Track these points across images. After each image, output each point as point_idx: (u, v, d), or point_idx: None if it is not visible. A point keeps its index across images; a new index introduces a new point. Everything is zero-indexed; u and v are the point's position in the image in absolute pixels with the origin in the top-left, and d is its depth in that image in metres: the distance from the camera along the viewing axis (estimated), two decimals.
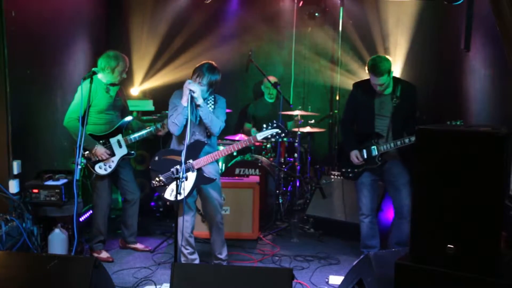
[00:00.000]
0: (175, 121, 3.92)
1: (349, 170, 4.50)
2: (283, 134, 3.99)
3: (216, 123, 3.98)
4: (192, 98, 3.83)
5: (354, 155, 4.39)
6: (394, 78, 4.36)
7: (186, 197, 3.90)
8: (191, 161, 3.96)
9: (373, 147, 4.34)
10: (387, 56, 4.27)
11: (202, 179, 4.01)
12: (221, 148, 4.16)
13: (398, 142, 4.20)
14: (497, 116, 4.29)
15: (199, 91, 3.85)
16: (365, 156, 4.39)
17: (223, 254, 4.26)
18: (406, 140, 4.15)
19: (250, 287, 3.01)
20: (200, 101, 3.86)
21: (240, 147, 4.07)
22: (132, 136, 4.56)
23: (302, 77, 6.82)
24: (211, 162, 4.02)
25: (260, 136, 3.99)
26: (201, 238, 4.80)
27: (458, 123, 3.91)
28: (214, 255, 4.26)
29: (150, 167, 4.07)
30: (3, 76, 4.00)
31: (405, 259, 2.74)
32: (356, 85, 4.54)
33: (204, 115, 3.92)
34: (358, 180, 4.48)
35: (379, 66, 4.15)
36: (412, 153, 4.14)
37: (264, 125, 4.00)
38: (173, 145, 4.13)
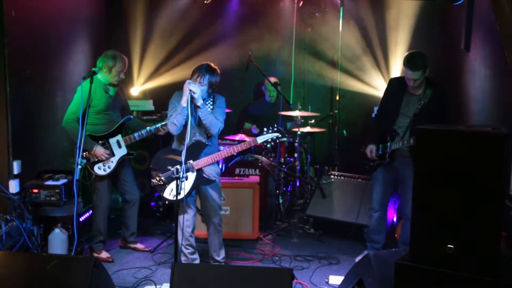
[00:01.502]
0: (174, 121, 3.92)
1: (366, 162, 4.57)
2: (283, 138, 4.05)
3: (215, 124, 3.98)
4: (191, 98, 3.83)
5: (369, 149, 4.46)
6: (428, 80, 4.31)
7: (185, 197, 3.89)
8: (191, 161, 3.96)
9: (388, 143, 4.37)
10: (423, 53, 4.27)
11: (201, 180, 4.01)
12: (221, 148, 4.16)
13: (405, 142, 4.22)
14: (497, 116, 4.29)
15: (200, 92, 3.85)
16: (380, 152, 4.42)
17: (220, 256, 4.25)
18: (411, 141, 4.15)
19: (250, 287, 3.01)
20: (200, 102, 3.86)
21: (240, 149, 4.08)
22: (131, 136, 4.55)
23: (302, 77, 6.81)
24: (211, 163, 4.02)
25: (260, 139, 4.01)
26: (202, 238, 4.80)
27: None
28: (211, 256, 4.25)
29: (150, 166, 4.07)
30: (3, 76, 4.00)
31: (405, 259, 2.74)
32: (391, 80, 4.60)
33: (203, 116, 3.92)
34: (373, 174, 4.56)
35: (416, 61, 4.17)
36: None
37: (265, 129, 4.01)
38: (174, 145, 4.14)
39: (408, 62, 4.19)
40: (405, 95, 4.35)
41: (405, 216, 4.41)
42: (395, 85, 4.47)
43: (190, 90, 3.80)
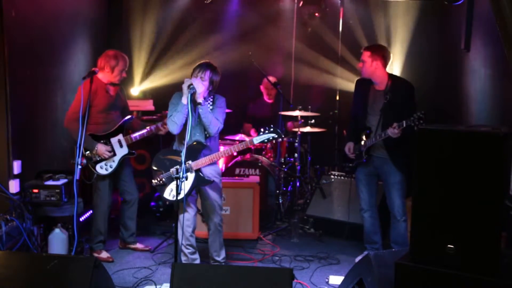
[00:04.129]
0: (174, 120, 3.91)
1: (345, 164, 4.65)
2: (280, 139, 4.05)
3: (215, 124, 3.97)
4: (192, 95, 3.82)
5: (347, 147, 4.55)
6: (391, 75, 4.42)
7: (185, 197, 3.89)
8: (190, 162, 3.96)
9: (362, 142, 4.44)
10: (388, 49, 4.46)
11: (200, 180, 4.00)
12: (221, 148, 4.16)
13: (378, 136, 4.27)
14: (497, 116, 4.29)
15: (202, 87, 3.84)
16: (356, 151, 4.48)
17: (221, 256, 4.24)
18: (382, 134, 4.21)
19: (250, 287, 3.01)
20: (200, 99, 3.85)
21: (237, 149, 4.09)
22: (133, 136, 4.55)
23: (302, 77, 6.82)
24: (210, 163, 4.02)
25: (257, 140, 4.00)
26: (202, 238, 4.80)
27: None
28: (211, 257, 4.24)
29: (152, 166, 4.08)
30: (3, 76, 4.00)
31: (405, 259, 2.74)
32: (357, 81, 4.64)
33: (203, 113, 3.91)
34: (355, 176, 4.62)
35: (371, 45, 4.47)
36: (399, 152, 4.27)
37: (262, 129, 4.01)
38: (175, 145, 4.14)
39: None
40: (371, 93, 4.42)
41: (392, 215, 4.42)
42: (361, 84, 4.52)
43: (191, 86, 3.79)
